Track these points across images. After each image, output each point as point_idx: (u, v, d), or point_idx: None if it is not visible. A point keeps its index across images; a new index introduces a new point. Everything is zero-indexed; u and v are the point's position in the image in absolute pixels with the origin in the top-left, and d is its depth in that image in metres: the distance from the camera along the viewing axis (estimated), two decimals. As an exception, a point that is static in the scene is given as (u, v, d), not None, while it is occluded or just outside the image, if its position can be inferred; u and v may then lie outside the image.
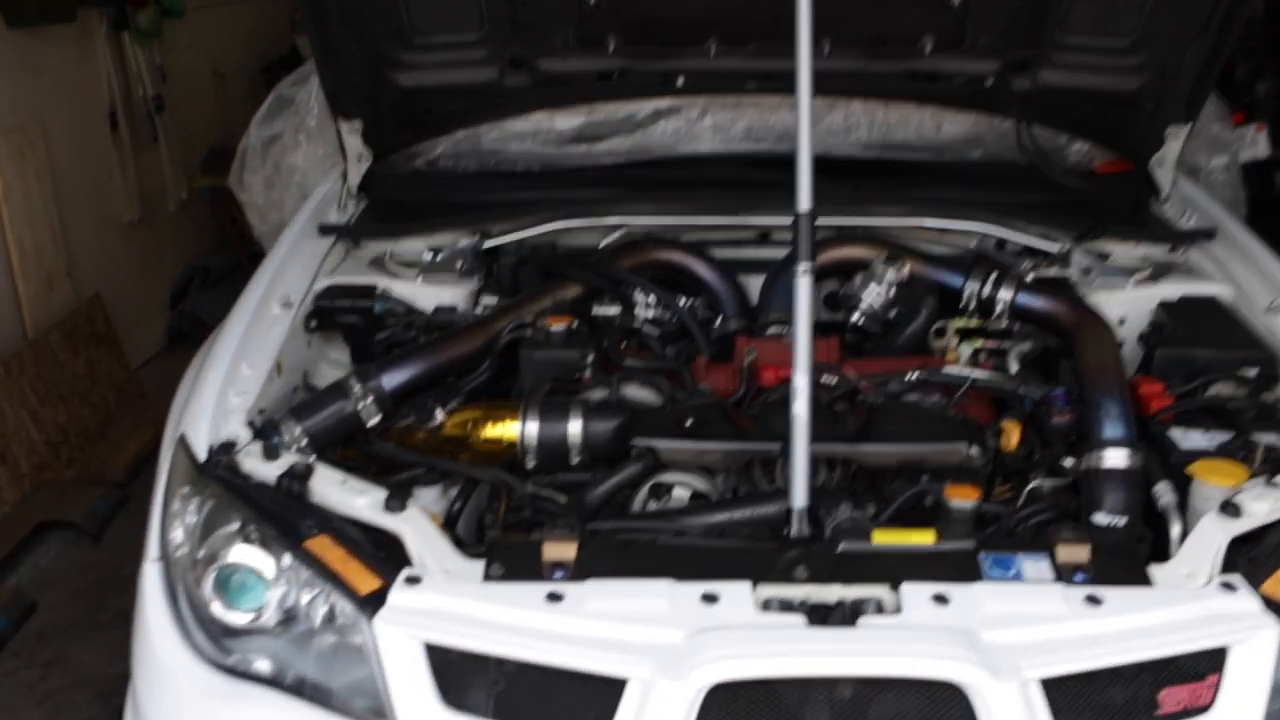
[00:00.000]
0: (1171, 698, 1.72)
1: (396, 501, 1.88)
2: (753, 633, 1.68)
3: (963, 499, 1.95)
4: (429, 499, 2.13)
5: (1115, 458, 2.06)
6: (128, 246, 5.26)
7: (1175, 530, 1.94)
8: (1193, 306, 2.53)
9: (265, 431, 2.10)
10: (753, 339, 2.38)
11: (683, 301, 2.57)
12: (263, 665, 1.84)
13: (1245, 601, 1.76)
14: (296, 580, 1.84)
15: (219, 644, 1.86)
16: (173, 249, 5.72)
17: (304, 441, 2.11)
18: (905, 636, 1.68)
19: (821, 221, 2.69)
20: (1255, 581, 1.79)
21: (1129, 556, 1.86)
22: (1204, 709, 1.72)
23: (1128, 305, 2.55)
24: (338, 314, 2.50)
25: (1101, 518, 2.03)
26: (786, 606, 1.75)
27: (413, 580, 1.77)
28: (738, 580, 1.76)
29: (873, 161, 2.98)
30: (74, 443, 4.32)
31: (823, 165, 2.89)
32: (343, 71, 2.79)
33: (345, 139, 2.88)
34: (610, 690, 1.66)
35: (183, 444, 2.05)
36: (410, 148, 3.00)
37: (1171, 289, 2.59)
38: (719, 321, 2.59)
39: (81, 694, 3.10)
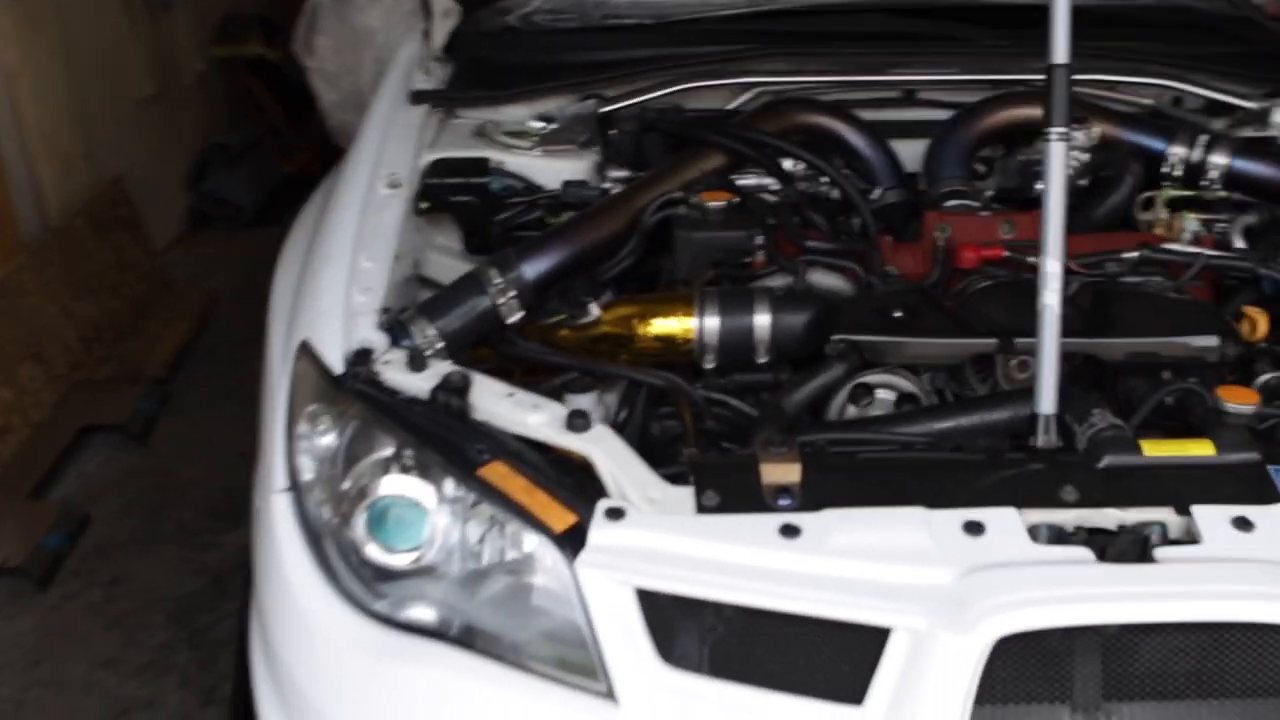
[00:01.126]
0: None
1: (581, 419, 1.58)
2: (1040, 571, 1.40)
3: (1240, 402, 1.65)
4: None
5: (1385, 348, 1.78)
6: (142, 124, 4.87)
7: None
8: None
9: (394, 333, 1.79)
10: (941, 214, 2.05)
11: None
12: (426, 613, 1.56)
13: None
14: (462, 512, 1.56)
15: (372, 589, 1.58)
16: (189, 126, 5.33)
17: (439, 344, 1.80)
18: (1220, 573, 1.40)
19: (982, 77, 2.45)
20: None
21: None
22: None
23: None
24: (449, 193, 2.17)
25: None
26: (1060, 536, 1.48)
27: (614, 514, 1.48)
28: (998, 505, 1.49)
29: (1030, 7, 2.61)
30: (106, 338, 4.01)
31: (975, 13, 2.63)
32: (429, -89, 2.41)
33: (431, -8, 2.51)
34: (869, 642, 1.40)
35: (307, 353, 1.74)
36: (505, 1, 2.63)
37: (1395, 150, 2.28)
38: (876, 194, 2.26)
39: (154, 616, 2.85)
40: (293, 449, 1.70)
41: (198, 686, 2.62)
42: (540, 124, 2.36)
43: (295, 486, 1.68)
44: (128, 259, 4.30)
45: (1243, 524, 1.46)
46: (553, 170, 2.27)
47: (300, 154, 5.80)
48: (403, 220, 2.01)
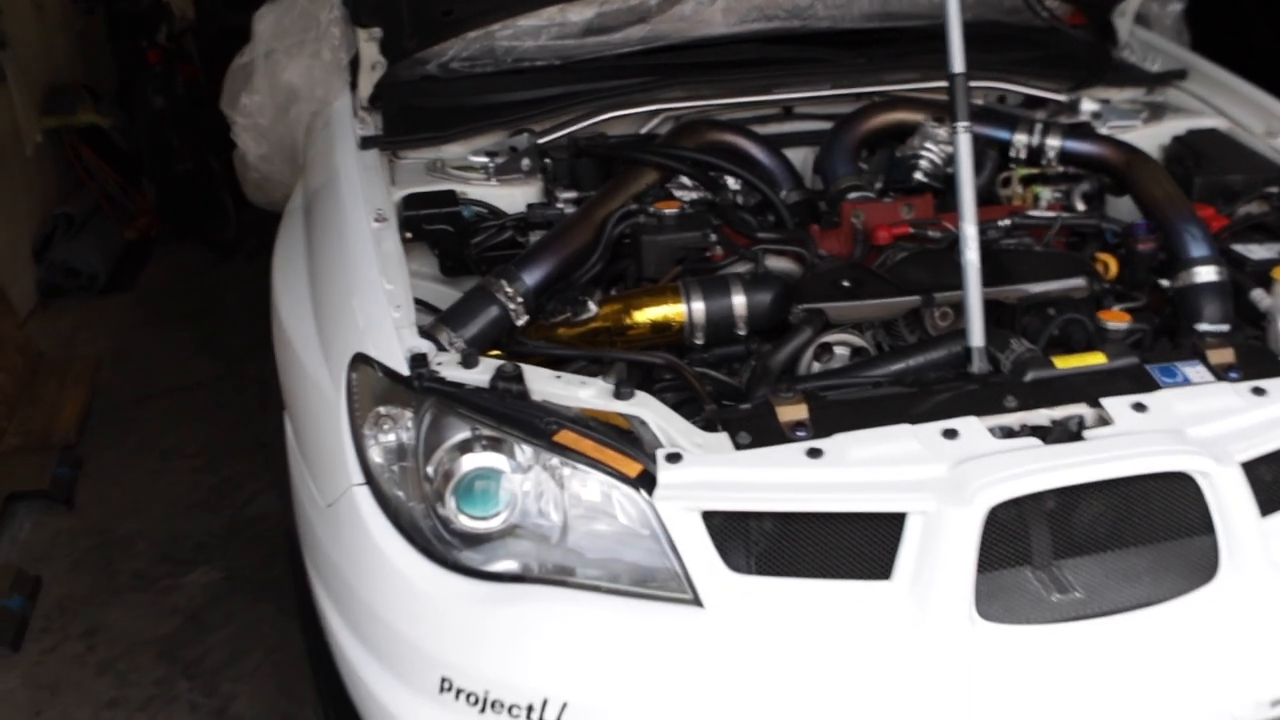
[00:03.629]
0: (1335, 466, 1.98)
1: (627, 388, 1.92)
2: (1009, 456, 1.82)
3: (1118, 321, 2.14)
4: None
5: (1207, 273, 2.29)
6: (-16, 199, 4.86)
7: (1280, 326, 2.20)
8: (1201, 138, 2.79)
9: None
10: (854, 204, 2.47)
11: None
12: (515, 566, 1.86)
13: (1369, 376, 2.03)
14: (536, 477, 1.86)
15: (464, 553, 1.87)
16: (31, 199, 5.30)
17: (465, 349, 2.10)
18: (1136, 441, 1.85)
19: (844, 91, 2.91)
20: (1366, 359, 2.07)
21: (1264, 353, 2.10)
22: (1358, 471, 1.98)
23: (1141, 142, 2.78)
24: (427, 222, 2.47)
25: (1205, 327, 2.26)
26: (1010, 433, 1.90)
27: (674, 458, 1.82)
28: (963, 416, 1.91)
29: (875, 31, 3.10)
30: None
31: (831, 38, 3.09)
32: (365, -24, 2.69)
33: (362, 48, 2.78)
34: (889, 528, 1.78)
35: (364, 363, 2.00)
36: (422, 53, 2.92)
37: (1176, 125, 2.86)
38: (783, 194, 2.67)
39: (140, 658, 2.97)
40: (362, 447, 1.96)
41: (207, 709, 2.78)
42: (483, 159, 2.68)
43: (372, 480, 1.94)
44: (2, 334, 4.32)
45: (1139, 408, 1.92)
46: (508, 196, 2.60)
47: (139, 219, 5.84)
48: (399, 248, 2.29)
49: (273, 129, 3.01)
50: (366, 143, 2.67)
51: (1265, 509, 1.87)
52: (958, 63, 2.07)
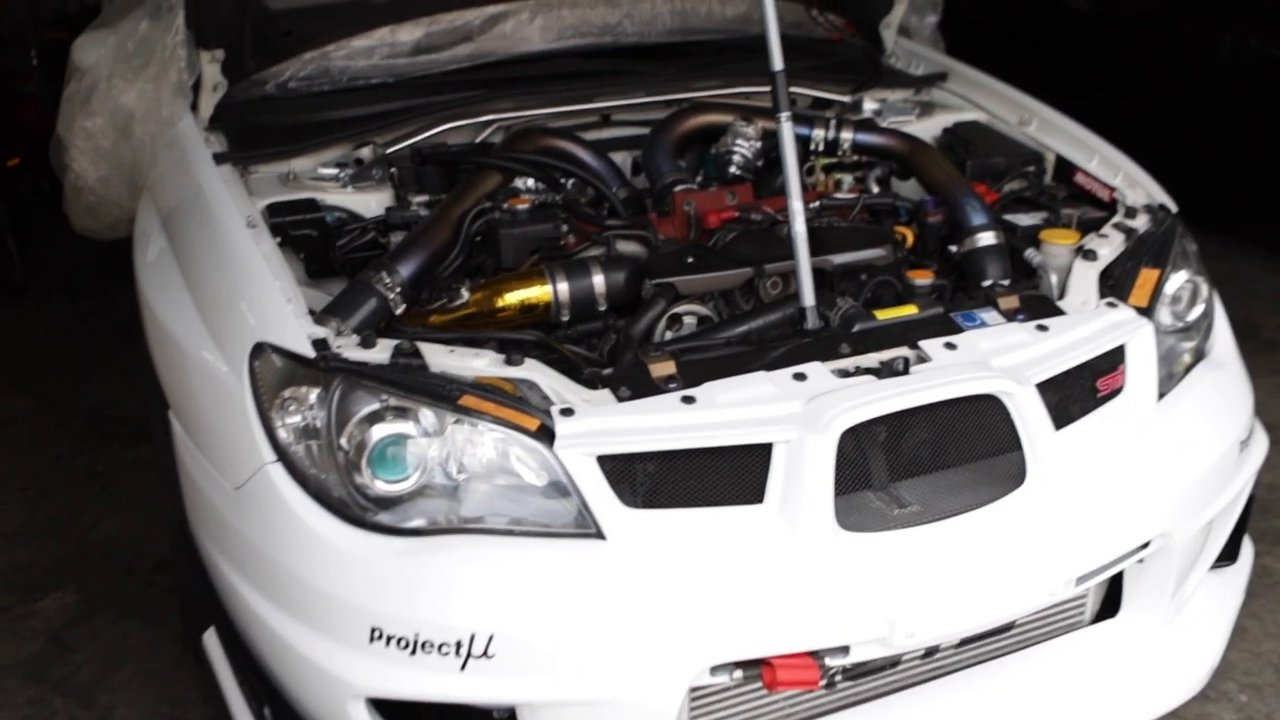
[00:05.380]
0: (1104, 384, 2.39)
1: (517, 355, 2.14)
2: (853, 390, 2.14)
3: (923, 278, 2.51)
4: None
5: (988, 238, 2.68)
6: None
7: (1053, 279, 2.61)
8: (966, 129, 3.23)
9: (312, 331, 2.23)
10: (685, 194, 2.76)
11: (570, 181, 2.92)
12: (426, 522, 2.06)
13: (1124, 312, 2.46)
14: (442, 440, 2.07)
15: (381, 516, 2.05)
16: None
17: (363, 332, 2.26)
18: (954, 371, 2.20)
19: (658, 99, 3.21)
20: (1122, 298, 2.50)
21: (1041, 299, 2.50)
22: (1120, 389, 2.40)
23: (917, 134, 3.19)
24: (292, 228, 2.61)
25: (989, 283, 2.66)
26: (847, 373, 2.23)
27: (567, 412, 2.06)
28: (808, 362, 2.22)
29: (678, 44, 3.42)
30: None
31: (639, 51, 3.39)
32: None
33: (204, 70, 2.90)
34: (759, 458, 2.07)
35: (265, 351, 2.15)
36: (260, 74, 3.06)
37: (944, 119, 3.29)
38: (613, 191, 2.94)
39: (8, 682, 2.94)
40: (271, 428, 2.12)
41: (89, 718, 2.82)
42: (334, 170, 2.84)
43: (283, 457, 2.10)
44: None
45: (950, 346, 2.28)
46: (364, 202, 2.77)
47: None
48: (276, 248, 2.44)
49: (114, 151, 3.07)
50: (220, 159, 2.79)
51: (1056, 424, 2.26)
52: (777, 61, 2.40)
